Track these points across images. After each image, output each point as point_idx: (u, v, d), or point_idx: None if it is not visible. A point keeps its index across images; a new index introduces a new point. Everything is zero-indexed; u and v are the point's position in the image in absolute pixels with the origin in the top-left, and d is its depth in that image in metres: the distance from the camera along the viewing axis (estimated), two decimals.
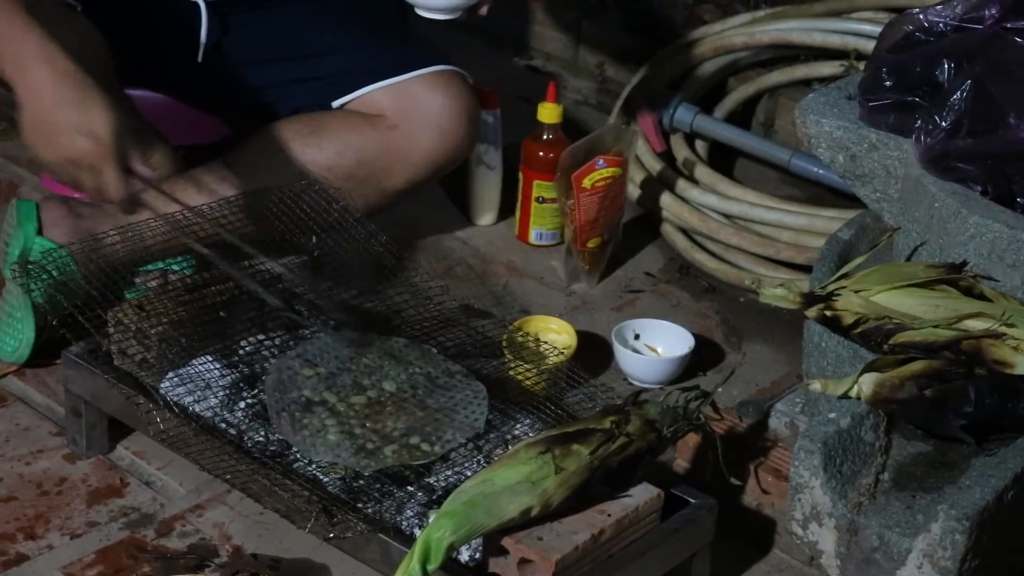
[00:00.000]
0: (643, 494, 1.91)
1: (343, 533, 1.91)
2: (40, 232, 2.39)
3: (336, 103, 2.56)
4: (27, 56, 2.08)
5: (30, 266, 2.30)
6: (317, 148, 2.51)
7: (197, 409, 2.06)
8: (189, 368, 2.12)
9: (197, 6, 2.50)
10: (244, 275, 2.19)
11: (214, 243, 2.21)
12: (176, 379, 2.10)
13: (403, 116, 2.53)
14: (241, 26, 2.55)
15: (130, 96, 2.59)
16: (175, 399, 2.07)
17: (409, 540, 1.86)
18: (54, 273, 2.29)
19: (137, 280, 2.38)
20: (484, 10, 2.43)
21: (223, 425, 2.06)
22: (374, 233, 2.30)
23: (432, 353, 2.13)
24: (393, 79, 2.54)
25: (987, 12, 2.08)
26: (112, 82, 2.47)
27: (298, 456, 2.01)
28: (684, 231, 2.80)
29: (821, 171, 2.80)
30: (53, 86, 2.06)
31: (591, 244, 2.67)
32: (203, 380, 2.10)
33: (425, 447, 1.99)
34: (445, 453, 2.00)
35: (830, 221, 2.66)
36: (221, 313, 2.18)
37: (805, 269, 2.63)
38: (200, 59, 2.54)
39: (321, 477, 1.98)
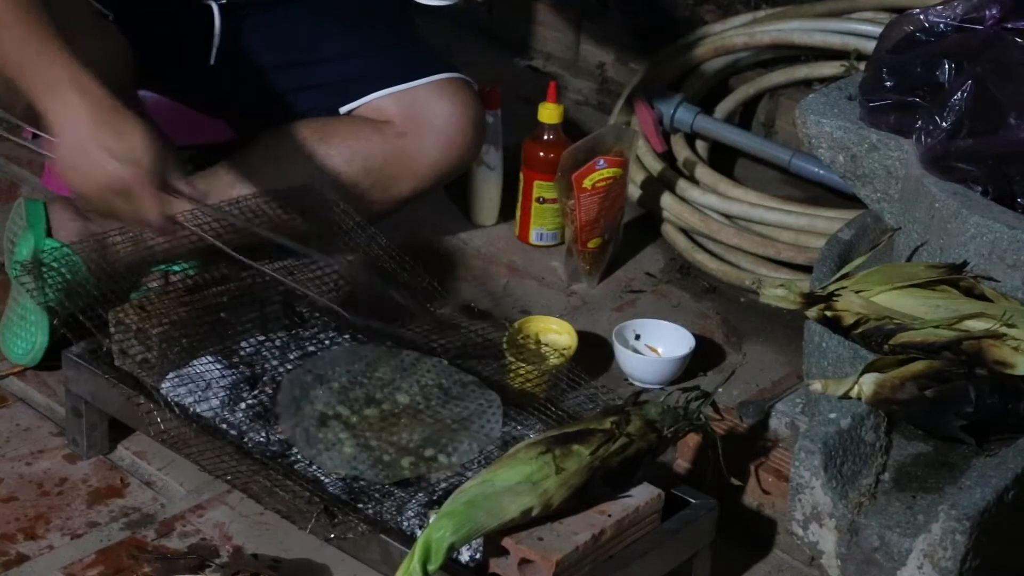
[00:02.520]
0: (643, 494, 1.91)
1: (344, 534, 1.91)
2: (49, 233, 2.39)
3: (344, 109, 2.56)
4: (61, 84, 2.05)
5: (43, 267, 2.31)
6: (324, 155, 2.50)
7: (198, 410, 2.07)
8: (190, 369, 2.12)
9: (210, 8, 2.51)
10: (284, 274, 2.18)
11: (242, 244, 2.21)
12: (177, 379, 2.10)
13: (411, 124, 2.53)
14: (252, 29, 2.55)
15: (141, 99, 2.60)
16: (176, 399, 2.07)
17: (410, 540, 1.86)
18: (66, 275, 2.30)
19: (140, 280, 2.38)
20: None
21: (224, 426, 2.06)
22: (374, 236, 2.30)
23: (443, 365, 2.13)
24: (401, 86, 2.54)
25: (987, 12, 2.08)
26: (131, 93, 2.48)
27: (299, 457, 2.01)
28: (685, 231, 2.80)
29: (821, 171, 2.80)
30: (89, 114, 2.03)
31: (591, 244, 2.67)
32: (204, 381, 2.10)
33: (442, 458, 1.99)
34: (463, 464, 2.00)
35: (830, 221, 2.66)
36: (222, 314, 2.18)
37: (806, 269, 2.63)
38: (212, 61, 2.54)
39: (322, 478, 1.98)
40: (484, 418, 2.05)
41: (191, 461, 2.06)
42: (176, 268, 2.39)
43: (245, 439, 2.04)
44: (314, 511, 1.92)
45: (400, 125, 2.53)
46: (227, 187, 2.49)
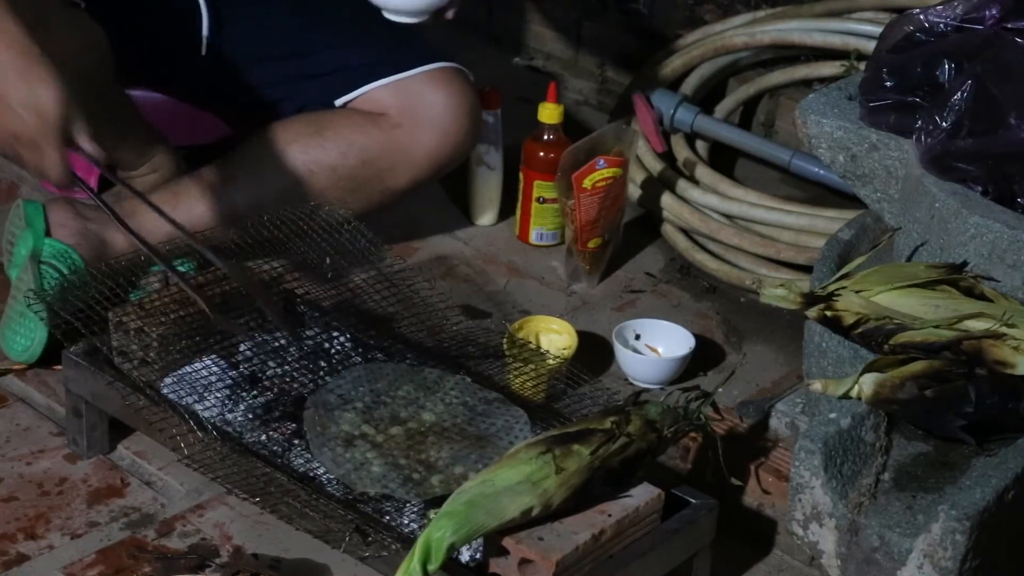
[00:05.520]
0: (644, 494, 1.91)
1: (378, 552, 1.90)
2: (48, 233, 2.39)
3: (339, 102, 2.56)
4: None
5: (41, 266, 2.31)
6: (320, 148, 2.51)
7: (203, 414, 2.06)
8: (190, 369, 2.12)
9: (196, 0, 2.51)
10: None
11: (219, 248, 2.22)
12: (177, 380, 2.10)
13: (406, 114, 2.53)
14: (240, 21, 2.55)
15: (132, 97, 2.59)
16: (179, 402, 2.07)
17: (410, 540, 1.86)
18: (65, 273, 2.30)
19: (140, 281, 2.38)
20: (451, 14, 2.41)
21: (222, 425, 2.05)
22: (382, 254, 2.30)
23: (467, 382, 2.13)
24: (396, 76, 2.54)
25: (987, 12, 2.08)
26: (111, 81, 2.47)
27: (299, 457, 2.01)
28: (685, 231, 2.80)
29: (821, 171, 2.80)
30: (3, 55, 1.97)
31: (592, 244, 2.67)
32: (204, 381, 2.10)
33: (472, 476, 1.97)
34: None
35: (831, 221, 2.66)
36: (223, 312, 2.18)
37: (806, 269, 2.63)
38: (203, 53, 2.54)
39: (318, 476, 1.98)
40: (512, 434, 2.04)
41: (219, 484, 2.04)
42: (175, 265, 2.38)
43: (244, 439, 2.03)
44: (347, 530, 1.91)
45: (395, 116, 2.53)
46: (223, 183, 2.50)
